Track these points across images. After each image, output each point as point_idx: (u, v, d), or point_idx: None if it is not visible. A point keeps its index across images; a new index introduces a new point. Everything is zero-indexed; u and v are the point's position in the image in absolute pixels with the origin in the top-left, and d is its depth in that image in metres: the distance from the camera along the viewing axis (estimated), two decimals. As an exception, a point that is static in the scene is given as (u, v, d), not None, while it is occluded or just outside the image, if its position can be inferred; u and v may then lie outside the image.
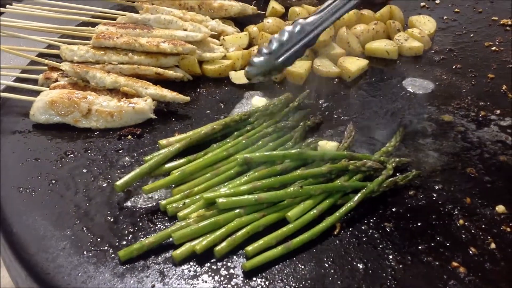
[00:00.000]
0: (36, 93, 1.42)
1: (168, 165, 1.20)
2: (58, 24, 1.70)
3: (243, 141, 1.25)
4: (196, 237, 1.04)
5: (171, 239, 1.04)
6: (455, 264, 1.01)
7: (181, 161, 1.21)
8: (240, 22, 1.82)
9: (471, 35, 1.81)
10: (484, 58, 1.68)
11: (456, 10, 1.97)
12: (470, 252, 1.04)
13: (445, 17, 1.92)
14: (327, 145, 1.25)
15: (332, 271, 1.00)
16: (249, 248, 1.01)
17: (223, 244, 1.02)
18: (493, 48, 1.73)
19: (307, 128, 1.33)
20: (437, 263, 1.01)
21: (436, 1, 2.03)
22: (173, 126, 1.39)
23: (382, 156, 1.21)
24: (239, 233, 1.03)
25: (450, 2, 2.03)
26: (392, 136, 1.31)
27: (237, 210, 1.07)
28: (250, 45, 1.68)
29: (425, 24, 1.78)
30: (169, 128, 1.38)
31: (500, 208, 1.12)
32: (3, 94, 1.42)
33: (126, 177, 1.15)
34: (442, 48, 1.73)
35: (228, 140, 1.26)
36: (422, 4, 2.01)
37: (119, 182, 1.14)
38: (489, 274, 1.00)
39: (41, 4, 1.75)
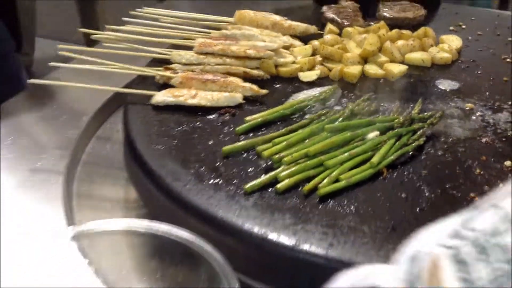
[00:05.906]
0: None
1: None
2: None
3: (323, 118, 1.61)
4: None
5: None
6: (472, 195, 1.40)
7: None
8: (303, 39, 2.29)
9: (491, 50, 2.25)
10: (500, 67, 2.11)
11: (479, 33, 2.41)
12: (484, 188, 1.43)
13: (469, 37, 2.37)
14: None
15: (382, 198, 1.40)
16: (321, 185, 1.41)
17: (325, 181, 1.37)
18: (508, 60, 2.17)
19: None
20: (459, 194, 1.40)
21: (463, 26, 2.49)
22: (256, 109, 1.83)
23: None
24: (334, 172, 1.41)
25: (474, 27, 2.48)
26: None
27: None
28: (313, 54, 2.14)
29: (453, 41, 2.22)
30: (254, 111, 1.81)
31: (508, 163, 1.51)
32: (132, 90, 1.90)
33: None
34: (466, 59, 2.16)
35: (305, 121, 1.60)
36: (451, 28, 2.46)
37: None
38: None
39: (151, 26, 2.26)
